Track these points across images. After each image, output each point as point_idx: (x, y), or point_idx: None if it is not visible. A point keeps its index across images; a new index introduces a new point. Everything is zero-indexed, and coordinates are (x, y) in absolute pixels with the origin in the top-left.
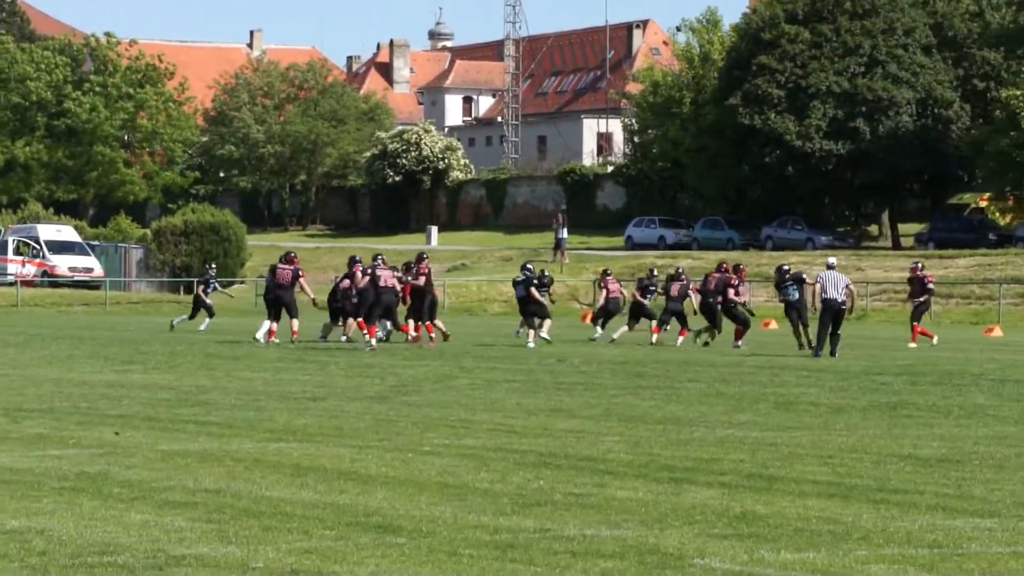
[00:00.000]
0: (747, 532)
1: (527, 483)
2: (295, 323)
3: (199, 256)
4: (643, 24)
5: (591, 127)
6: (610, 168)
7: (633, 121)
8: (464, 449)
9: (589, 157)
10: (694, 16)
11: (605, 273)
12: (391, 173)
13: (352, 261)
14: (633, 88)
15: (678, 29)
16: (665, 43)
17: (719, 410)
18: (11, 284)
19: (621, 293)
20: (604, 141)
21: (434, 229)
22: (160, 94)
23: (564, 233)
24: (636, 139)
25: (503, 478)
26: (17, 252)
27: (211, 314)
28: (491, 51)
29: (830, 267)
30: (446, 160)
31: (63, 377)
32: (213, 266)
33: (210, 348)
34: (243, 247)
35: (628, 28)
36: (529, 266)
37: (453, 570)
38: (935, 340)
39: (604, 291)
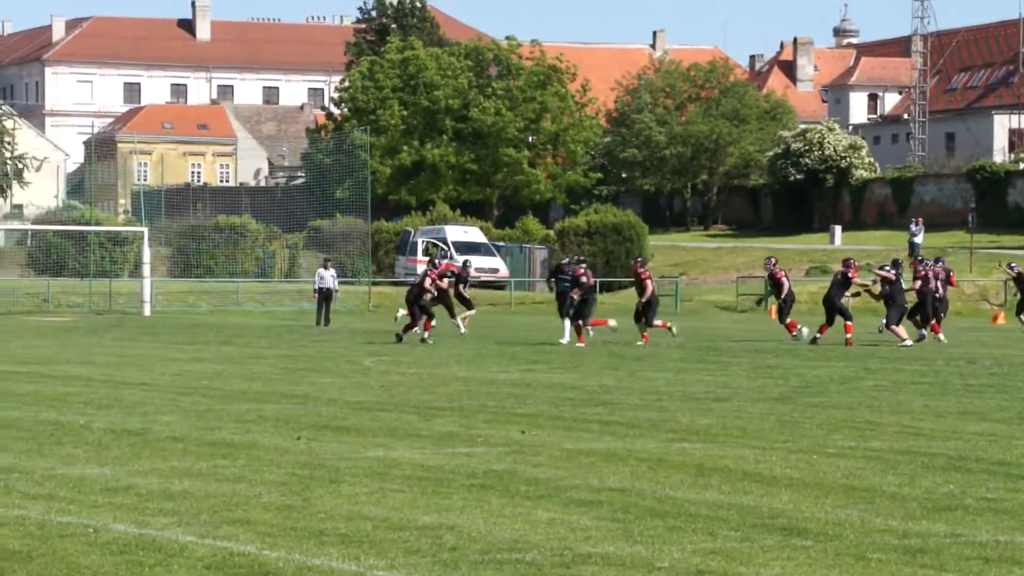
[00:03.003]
0: None
1: (936, 487)
2: (849, 326)
3: (602, 256)
4: None
5: (1002, 123)
6: (1022, 165)
7: None
8: (870, 451)
9: (1000, 154)
10: None
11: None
12: (793, 172)
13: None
14: None
15: None
16: None
17: None
18: None
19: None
20: (1016, 137)
21: (838, 229)
22: (560, 96)
23: (920, 238)
24: None
25: (911, 481)
26: (426, 253)
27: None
28: (897, 47)
29: None
30: (849, 159)
31: (471, 376)
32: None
33: (613, 348)
34: (645, 247)
35: None
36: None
37: (861, 574)
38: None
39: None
